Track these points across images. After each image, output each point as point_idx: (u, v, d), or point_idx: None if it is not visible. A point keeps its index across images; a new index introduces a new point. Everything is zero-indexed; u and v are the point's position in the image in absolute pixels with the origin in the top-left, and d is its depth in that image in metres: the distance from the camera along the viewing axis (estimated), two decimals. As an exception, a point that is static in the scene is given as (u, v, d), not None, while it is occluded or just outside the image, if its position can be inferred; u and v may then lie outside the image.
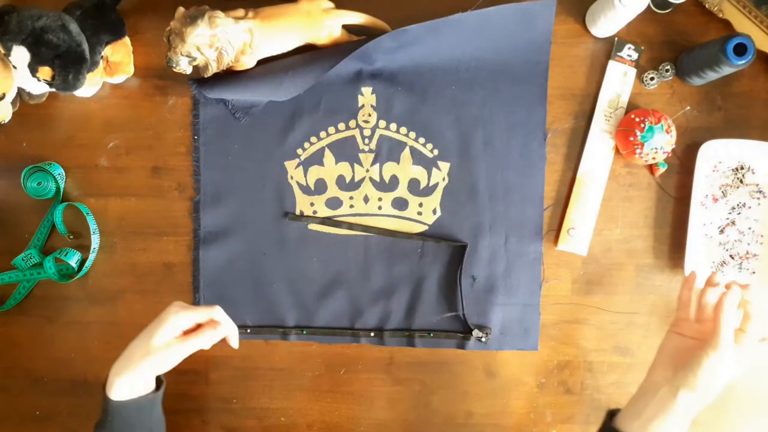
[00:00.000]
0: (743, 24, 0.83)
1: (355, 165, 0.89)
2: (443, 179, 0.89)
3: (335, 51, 0.84)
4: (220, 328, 0.74)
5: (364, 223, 0.89)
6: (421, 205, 0.89)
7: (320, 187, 0.89)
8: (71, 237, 0.91)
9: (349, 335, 0.90)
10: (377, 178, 0.89)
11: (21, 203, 0.90)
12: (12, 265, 0.89)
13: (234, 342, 0.77)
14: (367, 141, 0.89)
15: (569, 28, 0.87)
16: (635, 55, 0.86)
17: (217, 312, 0.74)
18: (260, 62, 0.85)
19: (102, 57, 0.84)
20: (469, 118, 0.88)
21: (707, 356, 0.66)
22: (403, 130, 0.88)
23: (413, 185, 0.89)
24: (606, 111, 0.87)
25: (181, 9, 0.77)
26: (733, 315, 0.67)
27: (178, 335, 0.73)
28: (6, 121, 0.84)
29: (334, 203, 0.89)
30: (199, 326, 0.74)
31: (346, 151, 0.89)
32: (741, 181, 0.86)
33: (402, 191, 0.89)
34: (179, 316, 0.72)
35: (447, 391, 0.91)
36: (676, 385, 0.67)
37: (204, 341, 0.74)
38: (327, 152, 0.89)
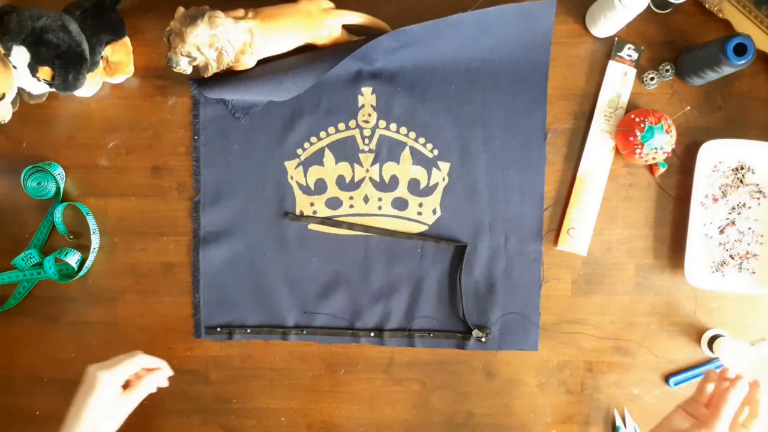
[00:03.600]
0: (743, 24, 0.83)
1: (355, 165, 0.89)
2: (443, 179, 0.89)
3: (335, 51, 0.84)
4: (159, 373, 0.79)
5: (364, 223, 0.89)
6: (421, 205, 0.89)
7: (320, 187, 0.89)
8: (71, 237, 0.90)
9: (349, 335, 0.90)
10: (377, 178, 0.89)
11: (21, 203, 0.90)
12: (12, 265, 0.90)
13: (165, 382, 0.81)
14: (367, 141, 0.89)
15: (569, 28, 0.87)
16: (635, 55, 0.86)
17: (144, 359, 0.77)
18: (260, 62, 0.85)
19: (102, 57, 0.84)
20: (469, 118, 0.88)
21: None
22: (403, 130, 0.88)
23: (413, 185, 0.89)
24: (606, 111, 0.87)
25: (181, 9, 0.77)
26: (733, 408, 0.70)
27: (119, 393, 0.75)
28: (6, 121, 0.84)
29: (334, 203, 0.89)
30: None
31: (346, 151, 0.89)
32: (741, 181, 0.86)
33: (402, 191, 0.89)
34: (109, 375, 0.74)
35: (447, 391, 0.91)
36: None
37: (148, 390, 0.78)
38: (327, 152, 0.89)
